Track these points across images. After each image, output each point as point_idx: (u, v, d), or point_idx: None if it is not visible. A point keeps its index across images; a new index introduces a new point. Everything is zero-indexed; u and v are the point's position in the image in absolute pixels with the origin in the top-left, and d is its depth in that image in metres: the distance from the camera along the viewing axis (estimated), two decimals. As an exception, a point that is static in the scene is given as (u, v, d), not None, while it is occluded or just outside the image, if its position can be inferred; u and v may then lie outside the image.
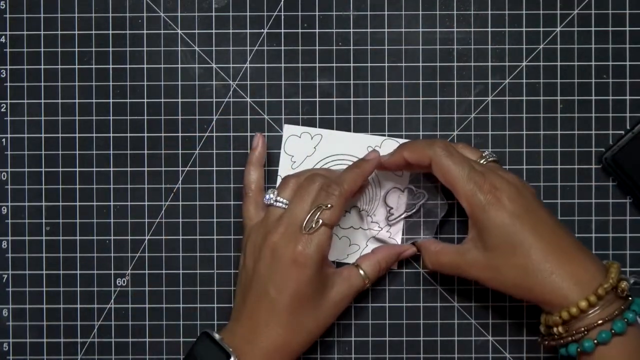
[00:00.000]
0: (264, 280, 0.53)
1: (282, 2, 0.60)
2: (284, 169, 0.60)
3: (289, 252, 0.52)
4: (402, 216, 0.59)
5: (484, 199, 0.51)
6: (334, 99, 0.60)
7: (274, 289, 0.52)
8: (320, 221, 0.53)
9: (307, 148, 0.60)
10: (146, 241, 0.61)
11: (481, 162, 0.55)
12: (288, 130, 0.60)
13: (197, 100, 0.60)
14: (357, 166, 0.56)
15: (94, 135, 0.60)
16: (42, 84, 0.60)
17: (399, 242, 0.59)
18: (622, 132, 0.59)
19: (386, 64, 0.60)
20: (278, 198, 0.55)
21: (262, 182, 0.58)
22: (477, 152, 0.56)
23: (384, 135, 0.60)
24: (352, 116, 0.60)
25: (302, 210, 0.53)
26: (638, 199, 0.59)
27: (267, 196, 0.55)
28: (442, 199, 0.59)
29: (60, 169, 0.60)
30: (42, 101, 0.60)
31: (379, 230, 0.59)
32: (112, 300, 0.61)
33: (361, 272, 0.56)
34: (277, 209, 0.55)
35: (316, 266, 0.53)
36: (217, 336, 0.53)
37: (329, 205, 0.53)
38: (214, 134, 0.60)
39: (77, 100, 0.61)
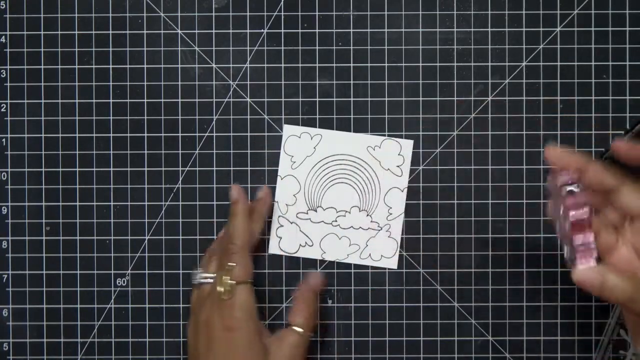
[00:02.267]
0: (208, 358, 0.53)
1: (282, 2, 0.60)
2: (284, 169, 0.60)
3: (219, 321, 0.52)
4: (402, 215, 0.59)
5: None
6: (334, 99, 0.60)
7: None
8: (233, 282, 0.53)
9: (307, 148, 0.60)
10: (146, 241, 0.61)
11: None
12: (288, 130, 0.60)
13: (197, 100, 0.60)
14: (234, 215, 0.56)
15: (94, 135, 0.60)
16: (42, 84, 0.60)
17: (399, 242, 0.59)
18: (622, 132, 0.59)
19: (386, 64, 0.60)
20: (203, 275, 0.55)
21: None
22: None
23: (384, 135, 0.60)
24: (352, 116, 0.60)
25: (215, 268, 0.55)
26: (638, 199, 0.59)
27: (194, 278, 0.56)
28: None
29: (60, 169, 0.60)
30: (42, 101, 0.60)
31: (379, 230, 0.60)
32: (112, 300, 0.61)
33: (295, 328, 0.54)
34: (205, 287, 0.55)
35: (248, 325, 0.52)
36: None
37: (233, 264, 0.53)
38: (214, 134, 0.60)
39: (77, 100, 0.61)
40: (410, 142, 0.60)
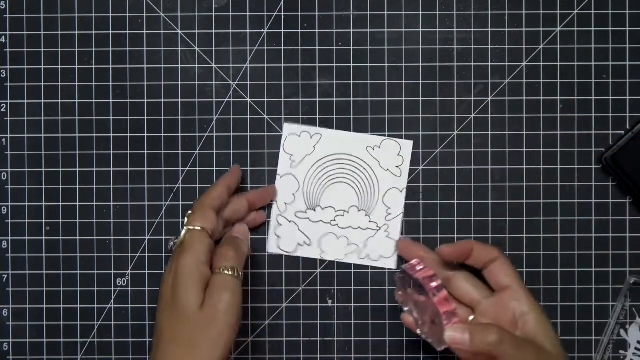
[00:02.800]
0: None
1: (282, 2, 0.60)
2: (283, 167, 0.60)
3: (167, 273, 0.52)
4: (400, 215, 0.59)
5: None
6: (334, 99, 0.60)
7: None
8: (186, 228, 0.53)
9: (307, 147, 0.60)
10: (146, 241, 0.61)
11: None
12: (287, 129, 0.60)
13: (197, 100, 0.60)
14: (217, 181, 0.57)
15: (94, 135, 0.60)
16: (42, 84, 0.60)
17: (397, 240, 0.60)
18: (622, 132, 0.59)
19: (386, 64, 0.60)
20: (173, 240, 0.56)
21: None
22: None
23: (384, 135, 0.60)
24: (352, 116, 0.60)
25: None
26: (638, 199, 0.59)
27: (168, 245, 0.57)
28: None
29: (60, 169, 0.60)
30: (42, 101, 0.60)
31: (377, 230, 0.59)
32: (112, 300, 0.61)
33: (223, 272, 0.52)
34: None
35: (190, 269, 0.51)
36: None
37: (189, 212, 0.54)
38: (214, 134, 0.60)
39: (77, 100, 0.60)
40: (410, 143, 0.60)
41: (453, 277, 0.55)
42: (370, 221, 0.60)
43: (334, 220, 0.60)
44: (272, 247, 0.60)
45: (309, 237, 0.60)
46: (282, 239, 0.60)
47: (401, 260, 0.60)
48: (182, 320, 0.50)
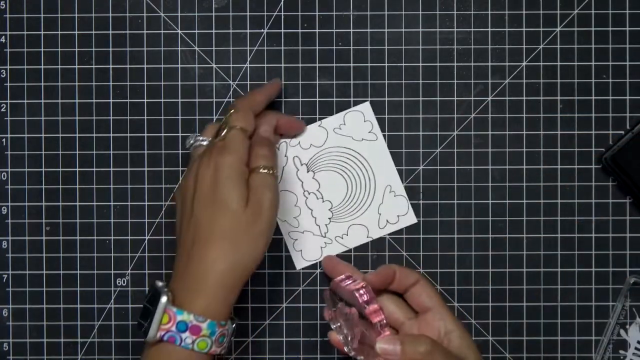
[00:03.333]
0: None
1: (282, 2, 0.60)
2: (330, 124, 0.60)
3: (206, 168, 0.52)
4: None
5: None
6: (334, 99, 0.60)
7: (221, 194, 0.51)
8: (229, 127, 0.53)
9: (358, 133, 0.60)
10: (146, 241, 0.61)
11: None
12: (364, 107, 0.60)
13: (197, 100, 0.60)
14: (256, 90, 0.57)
15: (94, 135, 0.60)
16: (42, 84, 0.60)
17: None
18: (622, 132, 0.59)
19: (386, 64, 0.60)
20: (197, 137, 0.56)
21: None
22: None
23: (384, 134, 0.60)
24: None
25: (213, 132, 0.55)
26: (638, 199, 0.59)
27: (188, 141, 0.56)
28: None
29: (60, 169, 0.60)
30: (42, 101, 0.60)
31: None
32: (112, 300, 0.61)
33: (262, 171, 0.53)
34: (198, 149, 0.55)
35: (235, 166, 0.51)
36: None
37: (231, 111, 0.54)
38: (214, 134, 0.60)
39: (77, 100, 0.60)
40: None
41: (378, 299, 0.55)
42: (326, 225, 0.60)
43: (309, 193, 0.60)
44: (300, 262, 0.60)
45: (281, 179, 0.60)
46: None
47: (402, 260, 0.60)
48: (226, 216, 0.50)
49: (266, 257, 0.60)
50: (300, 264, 0.60)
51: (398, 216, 0.60)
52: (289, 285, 0.60)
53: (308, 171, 0.60)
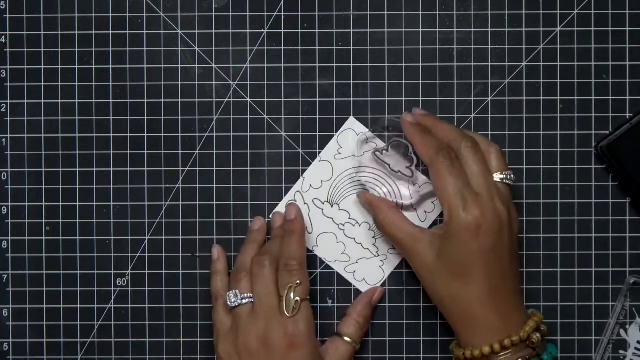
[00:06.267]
0: None
1: (282, 2, 0.60)
2: (327, 154, 0.60)
3: (281, 338, 0.52)
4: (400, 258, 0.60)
5: (465, 219, 0.51)
6: (334, 99, 0.60)
7: None
8: (298, 299, 0.53)
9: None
10: (146, 241, 0.61)
11: (497, 178, 0.54)
12: (351, 123, 0.60)
13: (197, 100, 0.60)
14: (292, 233, 0.56)
15: (94, 135, 0.60)
16: (42, 84, 0.60)
17: (387, 275, 0.59)
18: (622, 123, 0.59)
19: (386, 64, 0.60)
20: (243, 295, 0.54)
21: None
22: (502, 165, 0.54)
23: (384, 134, 0.60)
24: (352, 116, 0.60)
25: (272, 295, 0.53)
26: (631, 190, 0.58)
27: (232, 299, 0.54)
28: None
29: (60, 169, 0.60)
30: (42, 101, 0.60)
31: (375, 256, 0.59)
32: (112, 300, 0.61)
33: (346, 339, 0.56)
34: (244, 307, 0.54)
35: (311, 343, 0.53)
36: None
37: (298, 282, 0.53)
38: (214, 134, 0.60)
39: (77, 100, 0.61)
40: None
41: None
42: (374, 244, 0.60)
43: (343, 225, 0.60)
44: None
45: (313, 225, 0.60)
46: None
47: (402, 260, 0.60)
48: None
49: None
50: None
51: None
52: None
53: (332, 206, 0.60)
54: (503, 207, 0.52)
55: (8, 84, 0.60)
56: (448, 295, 0.53)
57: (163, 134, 0.60)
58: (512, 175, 0.55)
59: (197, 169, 0.60)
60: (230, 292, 0.55)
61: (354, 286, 0.60)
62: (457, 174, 0.53)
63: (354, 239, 0.60)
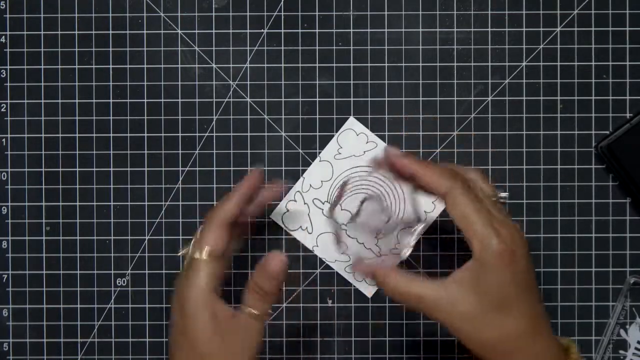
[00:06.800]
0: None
1: (282, 2, 0.60)
2: (327, 154, 0.60)
3: (176, 302, 0.50)
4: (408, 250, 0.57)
5: (498, 247, 0.47)
6: (334, 99, 0.60)
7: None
8: (196, 256, 0.50)
9: (357, 148, 0.60)
10: (146, 241, 0.61)
11: (492, 199, 0.51)
12: (351, 123, 0.60)
13: (197, 100, 0.60)
14: (233, 190, 0.53)
15: (94, 135, 0.60)
16: (42, 84, 0.60)
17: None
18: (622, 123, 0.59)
19: (386, 64, 0.60)
20: (182, 250, 0.53)
21: None
22: (490, 187, 0.52)
23: (384, 134, 0.60)
24: (352, 116, 0.60)
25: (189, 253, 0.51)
26: (630, 189, 0.59)
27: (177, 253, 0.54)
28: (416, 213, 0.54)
29: (60, 169, 0.60)
30: (42, 101, 0.60)
31: (377, 256, 0.59)
32: (112, 300, 0.61)
33: (251, 310, 0.50)
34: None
35: (200, 315, 0.49)
36: None
37: (198, 237, 0.50)
38: (214, 134, 0.60)
39: (77, 100, 0.61)
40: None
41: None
42: (376, 244, 0.60)
43: (344, 224, 0.60)
44: (277, 218, 0.60)
45: (313, 225, 0.60)
46: (289, 215, 0.60)
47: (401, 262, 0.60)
48: (195, 355, 0.48)
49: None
50: (368, 291, 0.60)
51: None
52: (289, 285, 0.60)
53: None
54: (516, 225, 0.50)
55: (8, 84, 0.60)
56: (492, 336, 0.48)
57: (163, 134, 0.60)
58: (503, 193, 0.52)
59: (197, 169, 0.60)
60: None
61: (354, 286, 0.60)
62: (479, 201, 0.49)
63: (356, 238, 0.60)
